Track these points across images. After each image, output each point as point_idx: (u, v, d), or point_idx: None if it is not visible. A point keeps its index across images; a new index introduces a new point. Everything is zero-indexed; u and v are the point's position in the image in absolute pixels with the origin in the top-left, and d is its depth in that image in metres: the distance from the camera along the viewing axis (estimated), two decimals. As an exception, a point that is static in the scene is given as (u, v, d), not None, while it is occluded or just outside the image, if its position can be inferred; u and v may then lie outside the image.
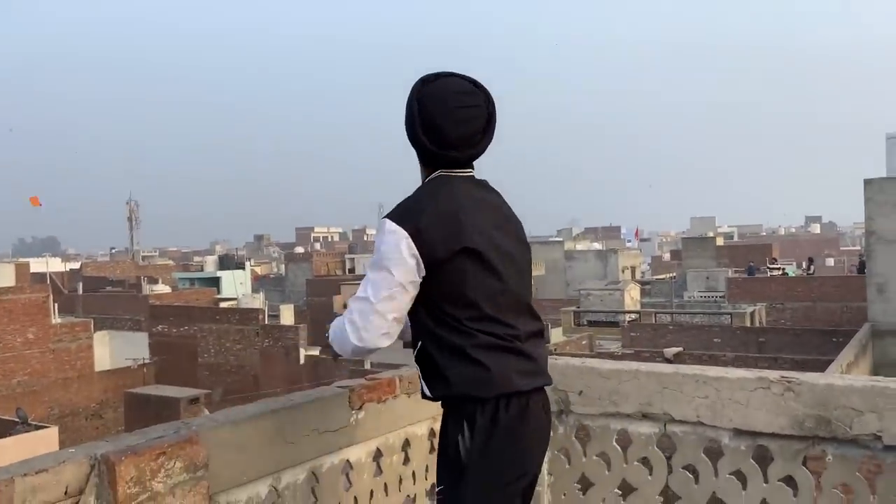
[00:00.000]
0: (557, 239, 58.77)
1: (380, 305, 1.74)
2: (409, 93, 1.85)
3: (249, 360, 29.05)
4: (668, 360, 17.75)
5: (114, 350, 29.56)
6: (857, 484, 2.17)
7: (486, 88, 1.85)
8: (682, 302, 33.48)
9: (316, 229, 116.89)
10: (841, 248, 69.56)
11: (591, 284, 32.59)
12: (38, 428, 18.84)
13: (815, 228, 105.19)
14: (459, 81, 1.84)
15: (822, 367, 14.18)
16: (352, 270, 52.56)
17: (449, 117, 1.78)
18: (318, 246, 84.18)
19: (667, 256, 64.86)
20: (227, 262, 41.84)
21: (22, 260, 45.48)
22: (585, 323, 27.09)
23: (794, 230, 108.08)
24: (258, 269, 56.58)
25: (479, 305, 1.76)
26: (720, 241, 49.70)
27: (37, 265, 43.35)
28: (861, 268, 35.42)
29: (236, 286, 37.73)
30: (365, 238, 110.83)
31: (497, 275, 1.78)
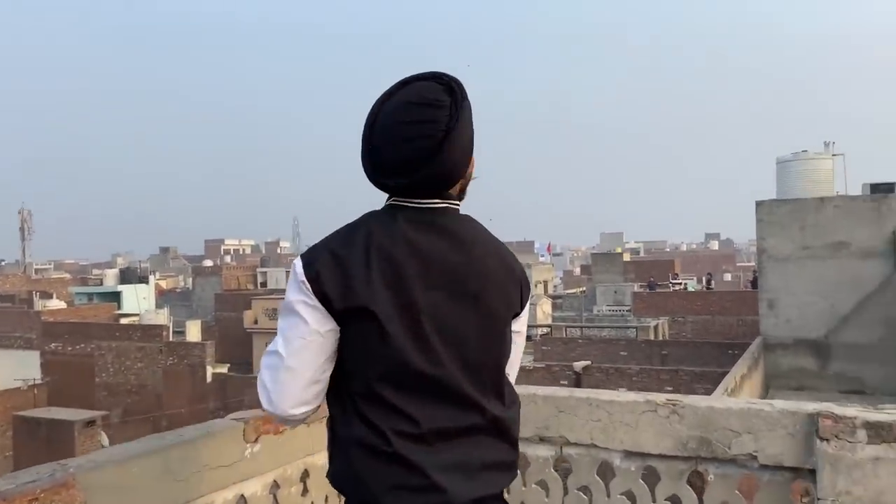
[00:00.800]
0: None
1: (291, 360, 1.39)
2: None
3: (152, 379, 27.80)
4: (577, 374, 18.25)
5: (2, 370, 27.61)
6: (736, 502, 2.30)
7: (459, 98, 1.41)
8: (591, 316, 34.55)
9: (226, 241, 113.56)
10: (737, 264, 73.78)
11: (504, 299, 33.02)
12: (-89, 457, 17.37)
13: (714, 245, 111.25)
14: (425, 87, 1.41)
15: (718, 378, 14.97)
16: (264, 284, 51.32)
17: (390, 136, 1.40)
18: (228, 259, 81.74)
19: (577, 271, 66.84)
20: (128, 276, 39.96)
21: None
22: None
23: (694, 246, 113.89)
24: (163, 283, 54.39)
25: (369, 384, 1.38)
26: (627, 257, 51.77)
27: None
28: (754, 283, 37.74)
29: (139, 301, 36.10)
30: (279, 251, 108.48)
31: (406, 348, 1.36)
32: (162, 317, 31.76)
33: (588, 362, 18.75)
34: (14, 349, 29.48)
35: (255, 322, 34.04)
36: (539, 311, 30.30)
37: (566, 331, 26.84)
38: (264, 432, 2.17)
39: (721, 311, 31.50)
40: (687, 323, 31.63)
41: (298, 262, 1.41)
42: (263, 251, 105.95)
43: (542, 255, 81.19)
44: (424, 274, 1.39)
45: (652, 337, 25.36)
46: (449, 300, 1.40)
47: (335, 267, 1.37)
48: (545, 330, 27.44)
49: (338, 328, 1.39)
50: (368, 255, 1.37)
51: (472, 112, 1.44)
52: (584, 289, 44.05)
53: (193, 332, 31.73)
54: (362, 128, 1.44)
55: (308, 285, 1.37)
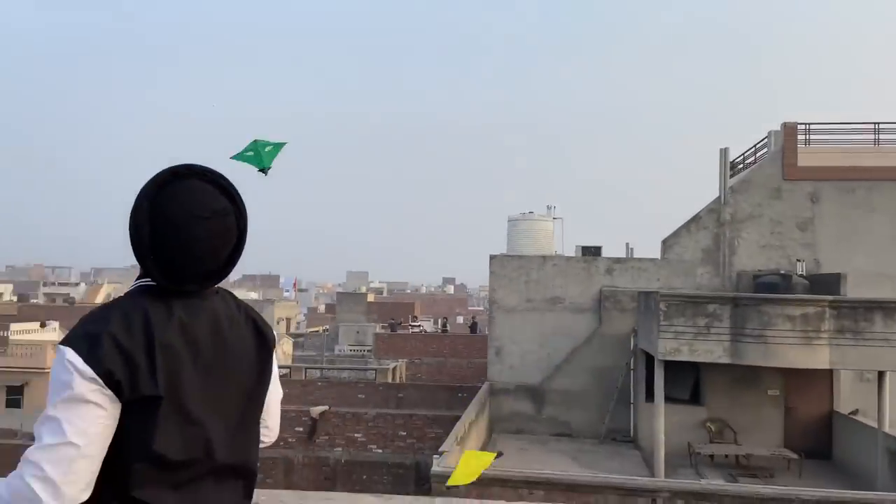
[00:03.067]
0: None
1: (90, 448, 1.36)
2: (138, 194, 1.44)
3: None
4: (314, 420, 17.79)
5: None
6: None
7: (237, 196, 1.49)
8: (333, 356, 34.33)
9: None
10: (469, 308, 79.32)
11: (242, 336, 31.47)
12: None
13: (450, 289, 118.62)
14: (207, 192, 1.45)
15: (450, 422, 15.60)
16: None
17: (186, 250, 1.42)
18: None
19: (322, 308, 66.45)
20: None
21: None
22: (233, 378, 25.82)
23: (433, 289, 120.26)
24: None
25: (133, 474, 1.40)
26: (371, 297, 52.77)
27: None
28: (473, 328, 40.75)
29: None
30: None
31: (177, 435, 1.42)
32: None
33: (326, 408, 18.39)
34: None
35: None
36: (280, 351, 29.28)
37: (306, 372, 26.25)
38: None
39: (453, 353, 33.34)
40: (423, 364, 32.93)
41: (74, 355, 1.36)
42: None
43: (287, 291, 79.56)
44: (196, 360, 1.45)
45: (390, 379, 25.86)
46: (215, 382, 1.47)
47: (122, 359, 1.37)
48: (284, 371, 26.53)
49: (118, 413, 1.38)
50: (151, 345, 1.39)
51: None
52: (328, 327, 43.80)
53: None
54: (130, 221, 1.43)
55: (98, 380, 1.35)
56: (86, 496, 1.38)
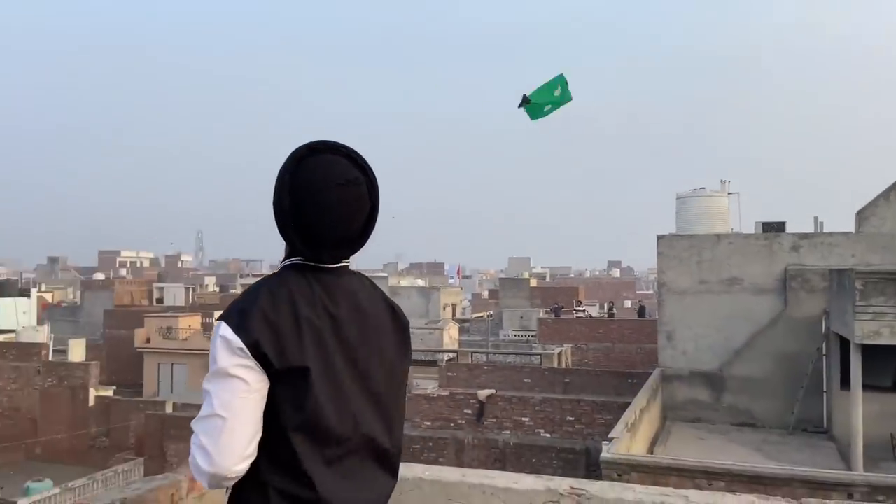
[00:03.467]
0: (382, 274, 58.91)
1: (234, 421, 1.44)
2: (279, 170, 1.56)
3: (27, 402, 25.58)
4: (481, 403, 18.06)
5: None
6: None
7: (369, 169, 1.58)
8: (497, 341, 34.73)
9: (123, 253, 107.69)
10: (637, 291, 76.63)
11: (412, 322, 32.71)
12: None
13: (616, 273, 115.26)
14: (341, 164, 1.55)
15: (619, 409, 15.15)
16: (160, 301, 48.74)
17: (326, 217, 1.52)
18: (123, 272, 77.35)
19: (485, 294, 67.37)
20: (7, 288, 36.88)
21: None
22: (404, 362, 26.87)
23: (597, 273, 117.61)
24: (49, 297, 50.68)
25: (285, 444, 1.48)
26: (534, 282, 52.63)
27: None
28: (640, 312, 39.13)
29: (18, 316, 33.33)
30: (179, 265, 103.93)
31: (329, 409, 1.49)
32: (42, 334, 29.37)
33: (492, 391, 18.60)
34: None
35: (148, 341, 32.11)
36: (446, 336, 30.11)
37: (472, 356, 26.73)
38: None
39: (621, 338, 32.33)
40: (589, 350, 32.29)
41: (228, 329, 1.45)
42: (163, 265, 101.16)
43: (452, 278, 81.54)
44: (338, 334, 1.52)
45: (555, 364, 25.62)
46: (358, 357, 1.54)
47: (270, 331, 1.45)
48: (451, 355, 27.22)
49: (267, 386, 1.46)
50: (297, 319, 1.47)
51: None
52: (492, 313, 44.34)
53: (77, 351, 29.50)
54: (274, 195, 1.54)
55: (246, 350, 1.43)
56: (241, 467, 1.45)
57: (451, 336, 30.79)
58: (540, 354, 27.32)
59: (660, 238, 17.50)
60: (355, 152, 1.59)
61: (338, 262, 1.58)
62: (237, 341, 1.44)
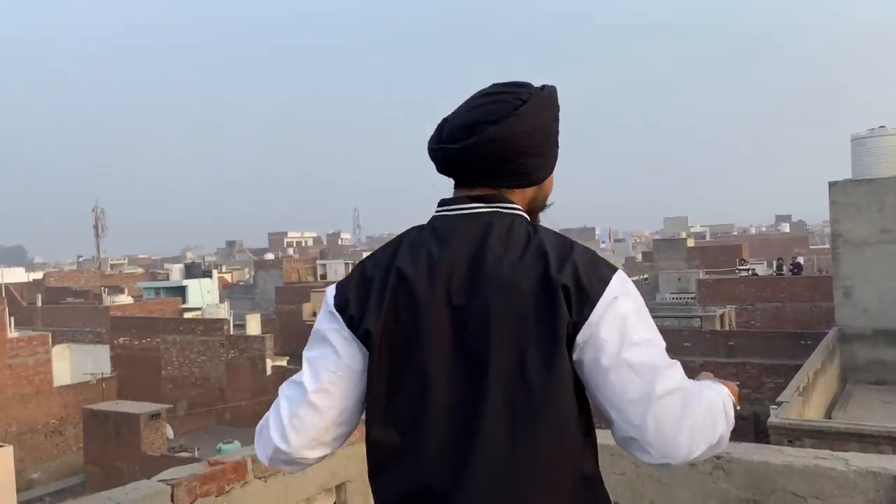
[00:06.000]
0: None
1: (316, 396, 1.21)
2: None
3: (215, 372, 28.35)
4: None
5: (74, 364, 28.69)
6: (799, 581, 1.82)
7: (547, 87, 1.29)
8: (654, 304, 33.46)
9: (289, 234, 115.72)
10: (811, 247, 70.45)
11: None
12: (-10, 447, 18.08)
13: (786, 227, 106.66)
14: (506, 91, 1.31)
15: (790, 371, 14.05)
16: (323, 276, 51.86)
17: (463, 105, 1.30)
18: (290, 252, 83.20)
19: (639, 257, 65.11)
20: (193, 271, 40.93)
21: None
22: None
23: (764, 229, 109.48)
24: (228, 277, 55.62)
25: (367, 430, 1.22)
26: (692, 242, 49.95)
27: (2, 276, 42.01)
28: (795, 269, 35.69)
29: (203, 295, 36.92)
30: (339, 242, 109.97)
31: (392, 390, 1.19)
32: (223, 310, 32.34)
33: (649, 355, 17.95)
34: (86, 343, 30.62)
35: (314, 314, 34.33)
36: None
37: (627, 321, 25.92)
38: (203, 494, 1.80)
39: (792, 297, 29.90)
40: (756, 311, 30.20)
41: (331, 289, 1.28)
42: (325, 243, 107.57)
43: (604, 242, 79.64)
44: (432, 291, 1.18)
45: (718, 327, 24.27)
46: (457, 323, 1.16)
47: (362, 288, 1.23)
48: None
49: (363, 361, 1.22)
50: (388, 273, 1.21)
51: (559, 126, 1.30)
52: (647, 276, 42.76)
53: (253, 325, 32.18)
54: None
55: (336, 315, 1.23)
56: (315, 454, 1.25)
57: (603, 301, 29.97)
58: (700, 317, 25.99)
59: (832, 185, 15.86)
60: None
61: (461, 205, 1.27)
62: (330, 301, 1.25)
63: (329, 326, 1.24)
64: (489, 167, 1.24)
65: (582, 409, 1.17)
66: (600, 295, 1.13)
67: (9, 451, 18.23)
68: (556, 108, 1.29)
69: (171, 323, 29.76)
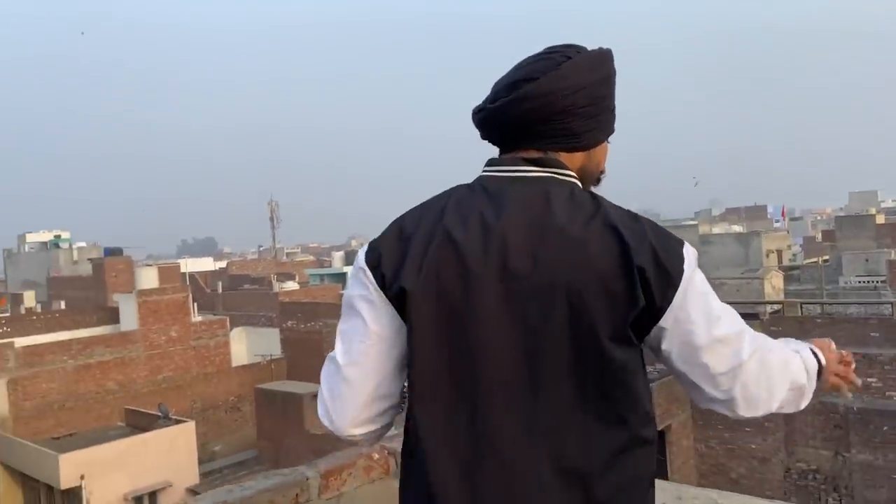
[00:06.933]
0: (691, 222, 55.43)
1: (349, 370, 1.16)
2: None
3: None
4: (813, 360, 15.82)
5: (249, 346, 31.19)
6: None
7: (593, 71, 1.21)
8: (835, 289, 30.28)
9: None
10: None
11: (726, 271, 30.23)
12: (177, 422, 20.09)
13: None
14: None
15: None
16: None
17: (515, 65, 1.25)
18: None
19: (819, 237, 59.34)
20: (352, 258, 42.96)
21: (168, 262, 49.19)
22: (719, 316, 24.62)
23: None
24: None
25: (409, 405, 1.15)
26: (881, 219, 44.54)
27: (193, 265, 46.68)
28: None
29: (362, 282, 38.53)
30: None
31: (434, 361, 1.10)
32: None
33: (827, 347, 16.15)
34: (259, 327, 33.16)
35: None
36: (767, 286, 27.08)
37: (801, 308, 23.61)
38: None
39: None
40: (964, 296, 26.27)
41: (364, 247, 1.20)
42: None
43: (777, 221, 73.47)
44: (486, 260, 1.08)
45: (914, 314, 21.35)
46: (506, 296, 1.07)
47: (398, 246, 1.13)
48: (776, 307, 24.35)
49: (400, 328, 1.13)
50: (433, 234, 1.11)
51: (614, 85, 1.23)
52: (827, 257, 38.77)
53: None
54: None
55: (367, 272, 1.14)
56: (361, 432, 1.18)
57: (773, 286, 27.66)
58: (891, 303, 23.06)
59: None
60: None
61: (513, 167, 1.20)
62: (361, 260, 1.17)
63: (357, 293, 1.16)
64: (530, 125, 1.17)
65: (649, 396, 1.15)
66: (681, 275, 1.09)
67: (191, 425, 20.14)
68: (607, 71, 1.21)
69: (332, 308, 31.40)
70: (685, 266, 1.10)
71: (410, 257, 1.10)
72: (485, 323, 1.07)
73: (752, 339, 1.16)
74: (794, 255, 50.05)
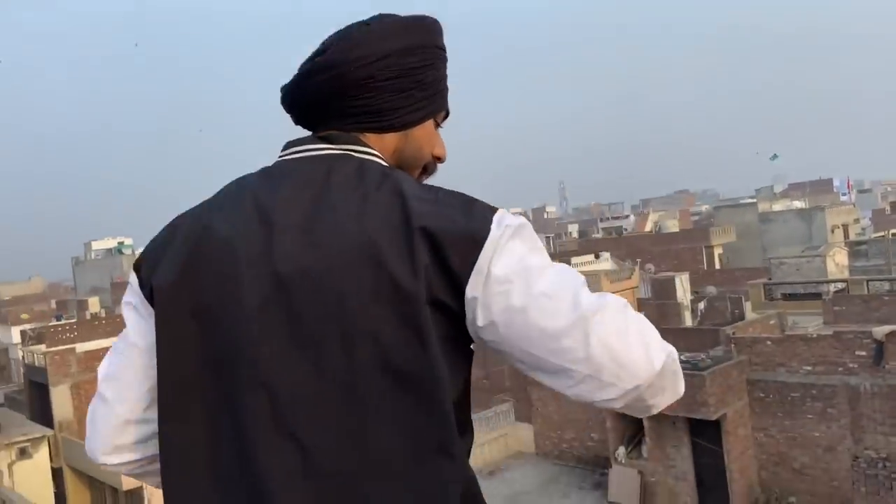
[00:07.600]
0: (750, 200, 53.42)
1: (104, 385, 1.03)
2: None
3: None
4: (879, 342, 14.94)
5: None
6: None
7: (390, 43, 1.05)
8: (906, 265, 28.60)
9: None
10: None
11: (787, 250, 28.94)
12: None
13: None
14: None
15: None
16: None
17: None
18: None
19: (888, 209, 56.40)
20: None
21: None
22: (780, 297, 23.73)
23: None
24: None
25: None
26: (958, 187, 41.86)
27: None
28: None
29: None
30: (545, 216, 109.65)
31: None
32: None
33: (895, 327, 15.24)
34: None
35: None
36: (830, 263, 25.75)
37: (868, 285, 22.39)
38: None
39: None
40: None
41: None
42: (530, 217, 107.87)
43: (844, 194, 70.12)
44: (258, 258, 0.92)
45: None
46: (278, 293, 0.91)
47: (163, 243, 1.00)
48: (840, 286, 23.14)
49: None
50: (197, 225, 0.98)
51: (446, 65, 1.09)
52: (897, 231, 36.70)
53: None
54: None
55: (132, 275, 1.02)
56: (115, 461, 1.05)
57: (837, 263, 26.33)
58: (968, 278, 21.61)
59: None
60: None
61: (300, 147, 1.05)
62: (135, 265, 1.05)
63: (125, 299, 1.04)
64: (327, 102, 1.03)
65: (459, 401, 0.92)
66: (485, 234, 0.90)
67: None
68: (416, 41, 1.04)
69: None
70: (493, 226, 0.91)
71: (168, 253, 0.98)
72: (244, 322, 0.91)
73: (599, 296, 0.93)
74: (862, 229, 47.56)
